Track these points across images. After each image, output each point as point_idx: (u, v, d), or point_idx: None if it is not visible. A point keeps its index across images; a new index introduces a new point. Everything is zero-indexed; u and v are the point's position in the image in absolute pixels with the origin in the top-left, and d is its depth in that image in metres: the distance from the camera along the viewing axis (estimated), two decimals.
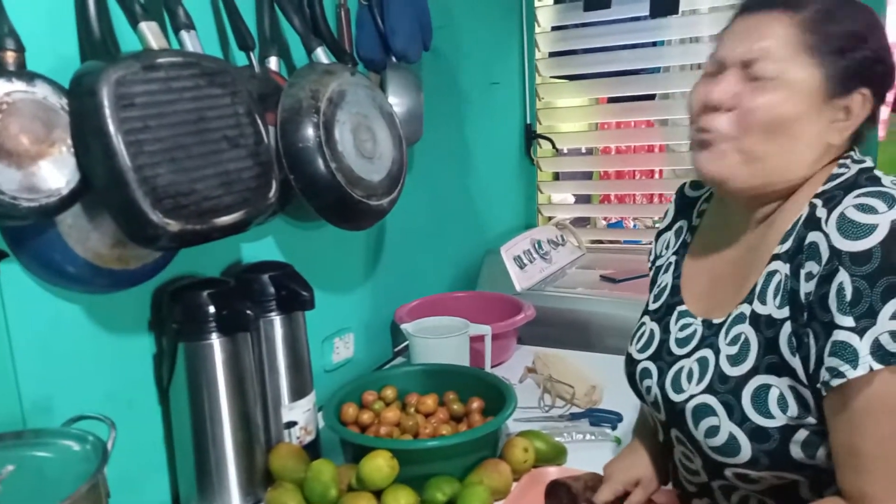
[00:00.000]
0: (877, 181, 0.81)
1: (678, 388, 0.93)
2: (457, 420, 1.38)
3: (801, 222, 0.84)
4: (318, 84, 1.27)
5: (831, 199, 0.81)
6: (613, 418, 1.42)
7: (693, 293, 1.00)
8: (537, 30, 2.42)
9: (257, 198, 1.09)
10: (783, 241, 0.85)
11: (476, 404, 1.37)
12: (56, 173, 0.93)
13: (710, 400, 0.87)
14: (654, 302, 1.06)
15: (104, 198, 0.97)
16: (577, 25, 2.43)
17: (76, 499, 0.79)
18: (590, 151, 2.73)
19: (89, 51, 1.04)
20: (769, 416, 0.82)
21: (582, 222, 2.88)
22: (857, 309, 0.74)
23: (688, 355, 0.94)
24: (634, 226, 3.05)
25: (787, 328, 0.81)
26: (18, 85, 0.90)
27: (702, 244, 1.03)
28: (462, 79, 2.08)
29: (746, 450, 0.83)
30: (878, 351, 0.73)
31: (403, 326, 1.57)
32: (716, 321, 0.92)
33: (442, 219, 2.01)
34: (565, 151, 2.58)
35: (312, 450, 1.33)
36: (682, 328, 0.97)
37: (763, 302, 0.85)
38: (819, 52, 0.83)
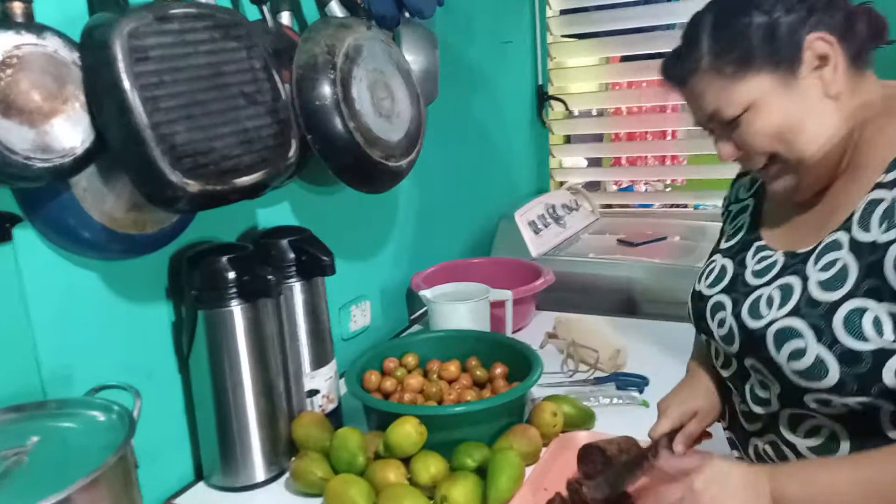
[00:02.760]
0: None
1: (756, 315, 0.91)
2: (480, 386, 1.35)
3: None
4: (334, 39, 1.22)
5: None
6: (640, 382, 1.39)
7: (772, 230, 0.99)
8: None
9: (276, 157, 1.05)
10: (889, 170, 0.83)
11: (500, 370, 1.35)
12: (70, 131, 0.89)
13: (797, 323, 0.85)
14: (728, 241, 1.05)
15: (121, 157, 0.93)
16: None
17: (105, 470, 0.76)
18: (601, 113, 2.67)
19: (97, 3, 0.98)
20: (862, 338, 0.80)
21: (593, 186, 2.83)
22: None
23: (766, 284, 0.92)
24: (645, 189, 3.00)
25: (892, 251, 0.79)
26: (28, 37, 0.85)
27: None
28: (475, 38, 2.02)
29: (834, 373, 0.81)
30: None
31: (422, 293, 1.53)
32: (800, 251, 0.91)
33: (456, 183, 1.97)
34: (576, 113, 2.52)
35: (335, 418, 1.30)
36: (760, 261, 0.96)
37: (865, 228, 0.83)
38: (743, 61, 0.84)
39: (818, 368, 0.82)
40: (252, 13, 1.21)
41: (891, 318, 0.79)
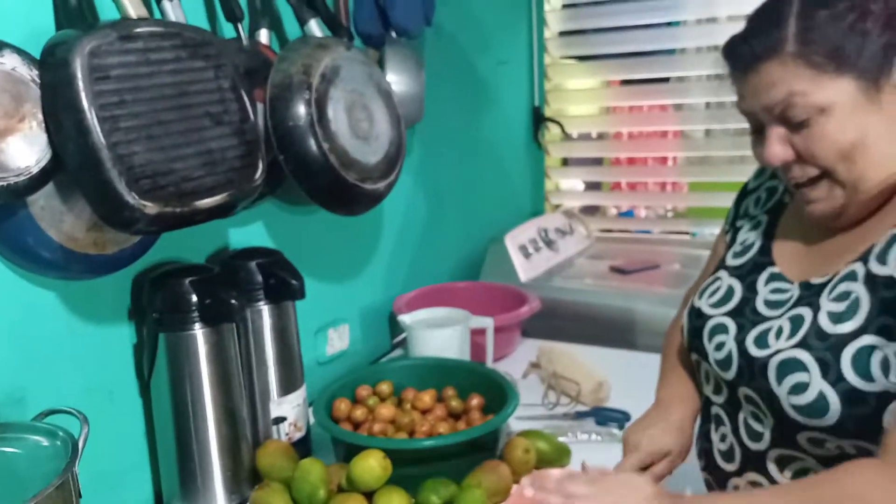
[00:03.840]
0: None
1: (763, 345, 0.87)
2: (455, 417, 1.32)
3: None
4: (311, 59, 1.20)
5: None
6: (620, 417, 1.35)
7: (786, 255, 0.93)
8: (547, 7, 2.33)
9: (242, 179, 1.02)
10: None
11: (476, 401, 1.31)
12: (26, 150, 0.87)
13: (802, 355, 0.81)
14: (736, 258, 0.99)
15: (77, 178, 0.90)
16: (588, 3, 2.34)
17: (41, 499, 0.73)
18: (600, 136, 2.64)
19: (65, 20, 0.97)
20: (869, 378, 0.76)
21: (591, 210, 2.80)
22: None
23: (779, 316, 0.88)
24: (646, 215, 2.96)
25: None
26: None
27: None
28: (467, 58, 2.00)
29: (835, 411, 0.78)
30: None
31: (401, 317, 1.50)
32: (815, 281, 0.86)
33: (444, 205, 1.93)
34: (575, 136, 2.49)
35: (303, 447, 1.27)
36: (775, 291, 0.90)
37: (883, 262, 0.79)
38: (834, 57, 0.77)
39: (819, 405, 0.78)
40: (230, 31, 1.20)
41: None
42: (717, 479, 0.98)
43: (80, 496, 0.82)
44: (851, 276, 0.82)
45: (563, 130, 2.37)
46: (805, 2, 0.79)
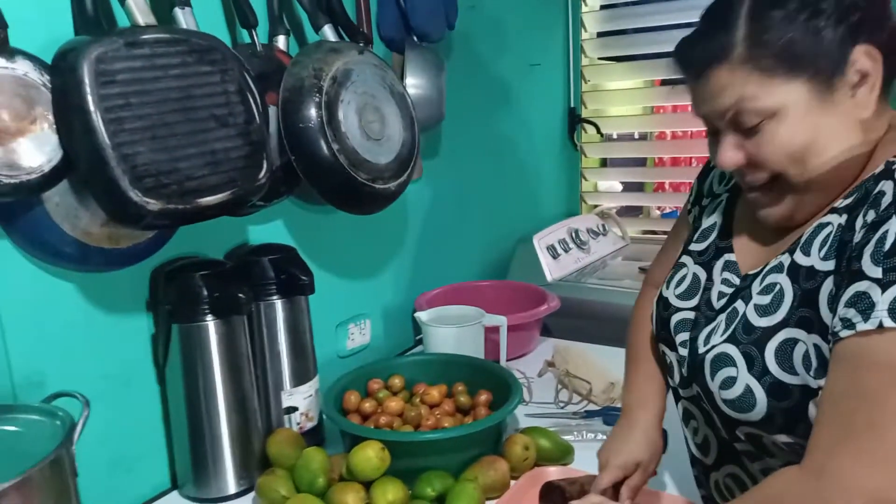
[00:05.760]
0: None
1: (707, 341, 0.86)
2: (463, 413, 1.34)
3: (873, 177, 0.75)
4: (322, 63, 1.24)
5: None
6: None
7: (743, 241, 0.91)
8: (584, 9, 2.32)
9: (245, 178, 1.06)
10: (848, 195, 0.77)
11: (484, 397, 1.33)
12: (37, 151, 0.93)
13: (731, 350, 0.81)
14: (699, 242, 0.96)
15: (85, 176, 0.96)
16: (627, 4, 2.32)
17: (33, 475, 0.79)
18: (643, 137, 2.61)
19: (82, 27, 1.03)
20: (792, 371, 0.75)
21: (634, 211, 2.77)
22: (891, 261, 0.66)
23: (722, 310, 0.87)
24: None
25: (829, 283, 0.73)
26: None
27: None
28: (499, 60, 2.01)
29: (762, 405, 0.77)
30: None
31: (417, 315, 1.53)
32: (751, 272, 0.85)
33: (472, 205, 1.96)
34: (615, 136, 2.47)
35: (314, 436, 1.31)
36: (725, 282, 0.89)
37: (807, 253, 0.77)
38: (785, 59, 0.74)
39: (747, 399, 0.78)
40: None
41: (815, 351, 0.73)
42: (701, 473, 0.98)
43: (76, 475, 0.87)
44: (778, 268, 0.80)
45: (598, 131, 2.35)
46: (756, 2, 0.75)
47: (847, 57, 0.73)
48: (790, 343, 0.76)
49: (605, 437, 1.29)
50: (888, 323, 0.65)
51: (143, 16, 1.00)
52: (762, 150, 0.77)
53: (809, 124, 0.75)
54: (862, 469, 0.65)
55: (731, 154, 0.80)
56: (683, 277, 0.95)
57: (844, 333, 0.68)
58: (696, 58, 0.79)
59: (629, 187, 2.69)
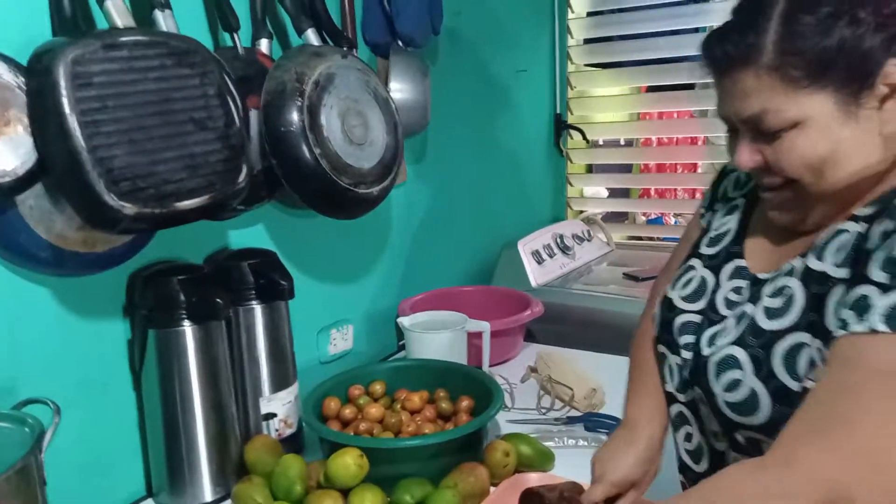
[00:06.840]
0: None
1: (711, 343, 0.86)
2: (445, 419, 1.33)
3: (893, 190, 0.75)
4: (305, 67, 1.23)
5: None
6: (611, 424, 1.34)
7: (756, 246, 0.90)
8: (570, 16, 2.33)
9: (224, 182, 1.05)
10: (869, 205, 0.76)
11: (465, 403, 1.32)
12: (11, 153, 0.92)
13: (738, 352, 0.81)
14: (711, 246, 0.95)
15: (61, 180, 0.95)
16: (613, 11, 2.33)
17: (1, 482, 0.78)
18: (629, 143, 2.62)
19: (60, 29, 1.02)
20: (797, 377, 0.75)
21: (619, 217, 2.77)
22: None
23: (731, 314, 0.87)
24: (675, 222, 2.92)
25: (838, 290, 0.73)
26: None
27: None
28: (485, 66, 2.01)
29: (766, 409, 0.77)
30: (892, 315, 0.66)
31: (399, 320, 1.52)
32: (762, 276, 0.85)
33: (457, 210, 1.95)
34: (601, 143, 2.47)
35: (294, 443, 1.30)
36: (735, 290, 0.88)
37: (820, 258, 0.77)
38: (814, 70, 0.72)
39: (750, 402, 0.78)
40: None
41: (819, 355, 0.74)
42: (690, 480, 0.97)
43: (45, 483, 0.86)
44: (790, 272, 0.80)
45: (584, 137, 2.35)
46: (791, 4, 0.73)
47: (880, 69, 0.72)
48: (798, 347, 0.76)
49: (585, 444, 1.30)
50: (881, 327, 0.66)
51: (121, 18, 0.99)
52: (780, 158, 0.77)
53: (831, 137, 0.74)
54: (831, 461, 0.65)
55: (748, 156, 0.80)
56: (690, 280, 0.95)
57: (838, 333, 0.69)
58: (722, 55, 0.77)
59: (615, 193, 2.69)
